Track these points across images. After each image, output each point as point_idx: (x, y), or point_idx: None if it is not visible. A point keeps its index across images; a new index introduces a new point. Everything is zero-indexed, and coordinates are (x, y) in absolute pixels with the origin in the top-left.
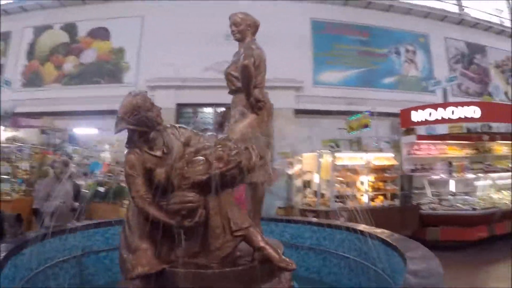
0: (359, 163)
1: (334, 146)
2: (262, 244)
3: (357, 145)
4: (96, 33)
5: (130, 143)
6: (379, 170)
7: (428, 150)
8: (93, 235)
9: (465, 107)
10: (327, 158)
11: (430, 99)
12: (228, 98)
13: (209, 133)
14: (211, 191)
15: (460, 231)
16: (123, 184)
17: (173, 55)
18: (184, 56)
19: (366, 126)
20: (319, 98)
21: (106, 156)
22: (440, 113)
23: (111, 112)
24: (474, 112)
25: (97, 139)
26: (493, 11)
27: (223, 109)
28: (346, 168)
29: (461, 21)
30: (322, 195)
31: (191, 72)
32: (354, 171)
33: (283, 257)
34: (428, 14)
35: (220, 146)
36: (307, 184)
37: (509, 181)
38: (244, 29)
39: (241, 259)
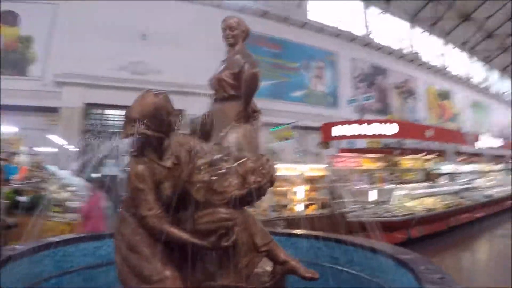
0: (294, 173)
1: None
2: (285, 257)
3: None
4: (3, 17)
5: (139, 150)
6: (312, 181)
7: (346, 162)
8: (41, 260)
9: (387, 124)
10: None
11: (336, 114)
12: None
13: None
14: (244, 206)
15: (383, 236)
16: (45, 193)
17: (86, 50)
18: (97, 53)
19: (288, 138)
20: None
21: (23, 159)
22: (361, 129)
23: (13, 108)
24: (392, 129)
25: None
26: (396, 38)
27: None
28: (283, 179)
29: (368, 44)
30: (260, 205)
31: (103, 70)
32: (291, 181)
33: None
34: (338, 34)
35: (247, 158)
36: None
37: (421, 191)
38: (238, 34)
39: (262, 275)
